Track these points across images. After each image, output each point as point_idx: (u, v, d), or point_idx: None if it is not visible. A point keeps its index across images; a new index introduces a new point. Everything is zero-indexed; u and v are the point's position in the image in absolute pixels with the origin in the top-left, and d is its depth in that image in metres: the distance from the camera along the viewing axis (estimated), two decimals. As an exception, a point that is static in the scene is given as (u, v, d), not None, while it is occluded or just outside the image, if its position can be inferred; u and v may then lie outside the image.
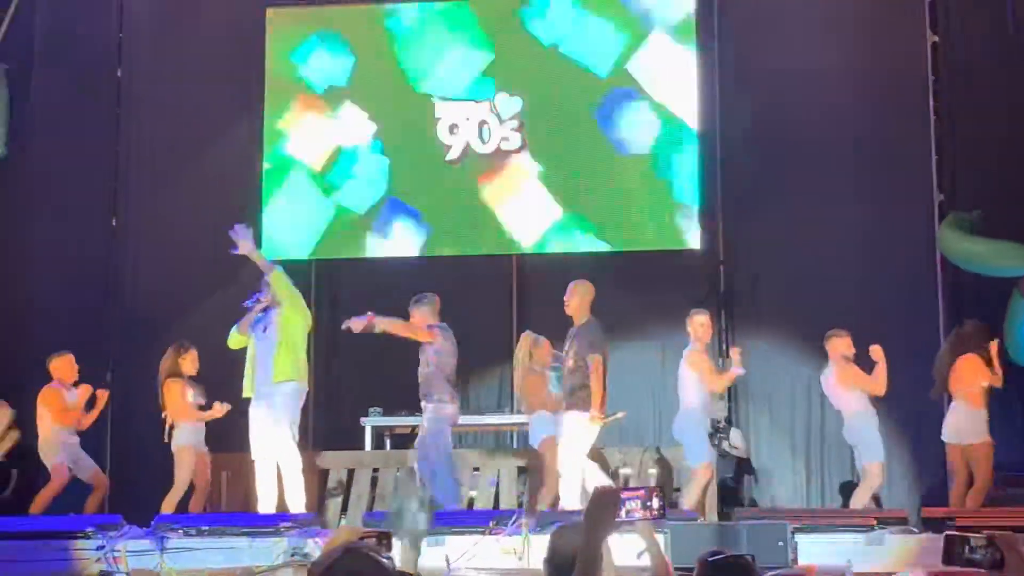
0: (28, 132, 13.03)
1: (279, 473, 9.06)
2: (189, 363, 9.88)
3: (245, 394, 9.28)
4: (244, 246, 9.23)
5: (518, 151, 12.26)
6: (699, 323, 9.77)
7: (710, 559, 3.91)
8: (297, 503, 8.97)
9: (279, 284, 9.15)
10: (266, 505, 9.02)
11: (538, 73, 12.31)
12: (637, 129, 12.07)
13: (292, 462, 9.02)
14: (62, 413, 9.99)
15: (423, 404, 9.46)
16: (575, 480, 9.08)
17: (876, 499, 9.68)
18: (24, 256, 12.86)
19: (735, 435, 11.03)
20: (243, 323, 9.28)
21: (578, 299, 9.45)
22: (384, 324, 9.51)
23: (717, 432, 10.57)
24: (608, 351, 9.47)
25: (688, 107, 12.01)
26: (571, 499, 8.98)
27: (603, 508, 3.57)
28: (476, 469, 10.76)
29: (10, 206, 12.97)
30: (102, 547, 7.77)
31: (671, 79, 12.06)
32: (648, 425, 11.65)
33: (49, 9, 13.02)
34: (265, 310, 9.24)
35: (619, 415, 9.95)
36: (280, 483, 9.08)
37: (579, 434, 9.20)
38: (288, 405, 9.07)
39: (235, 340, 9.37)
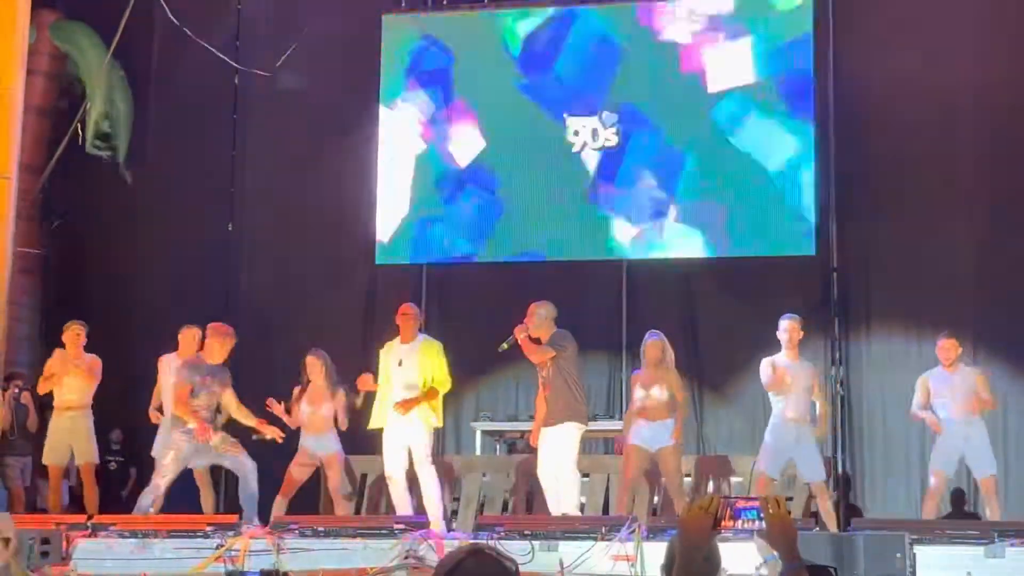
0: (147, 139, 13.35)
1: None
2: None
3: (373, 425, 9.51)
4: None
5: (624, 152, 12.23)
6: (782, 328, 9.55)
7: None
8: (437, 513, 9.16)
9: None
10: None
11: (649, 77, 12.27)
12: (751, 134, 11.98)
13: (433, 477, 9.30)
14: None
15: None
16: (570, 489, 9.10)
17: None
18: (143, 261, 13.16)
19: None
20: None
21: (537, 320, 9.33)
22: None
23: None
24: (568, 351, 9.32)
25: (804, 112, 11.89)
26: (568, 507, 8.99)
27: (699, 519, 3.54)
28: (586, 475, 10.73)
29: (130, 212, 13.29)
30: (220, 546, 7.86)
31: (786, 83, 11.94)
32: (759, 433, 11.50)
33: (166, 18, 13.28)
34: None
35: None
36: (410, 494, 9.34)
37: (575, 444, 9.19)
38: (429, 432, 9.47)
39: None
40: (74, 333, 10.07)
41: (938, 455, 9.53)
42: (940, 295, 11.37)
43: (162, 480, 9.12)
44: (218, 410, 9.60)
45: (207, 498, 9.91)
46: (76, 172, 13.44)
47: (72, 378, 10.01)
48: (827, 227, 11.93)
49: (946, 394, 9.52)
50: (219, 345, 9.30)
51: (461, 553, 3.07)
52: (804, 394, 9.42)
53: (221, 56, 12.77)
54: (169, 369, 9.93)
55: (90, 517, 8.37)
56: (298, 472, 9.68)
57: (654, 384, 9.42)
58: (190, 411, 9.12)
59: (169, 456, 9.18)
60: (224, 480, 10.73)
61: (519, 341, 9.26)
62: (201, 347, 9.64)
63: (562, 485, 9.11)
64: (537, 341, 9.28)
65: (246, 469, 9.26)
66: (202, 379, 9.25)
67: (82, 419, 10.05)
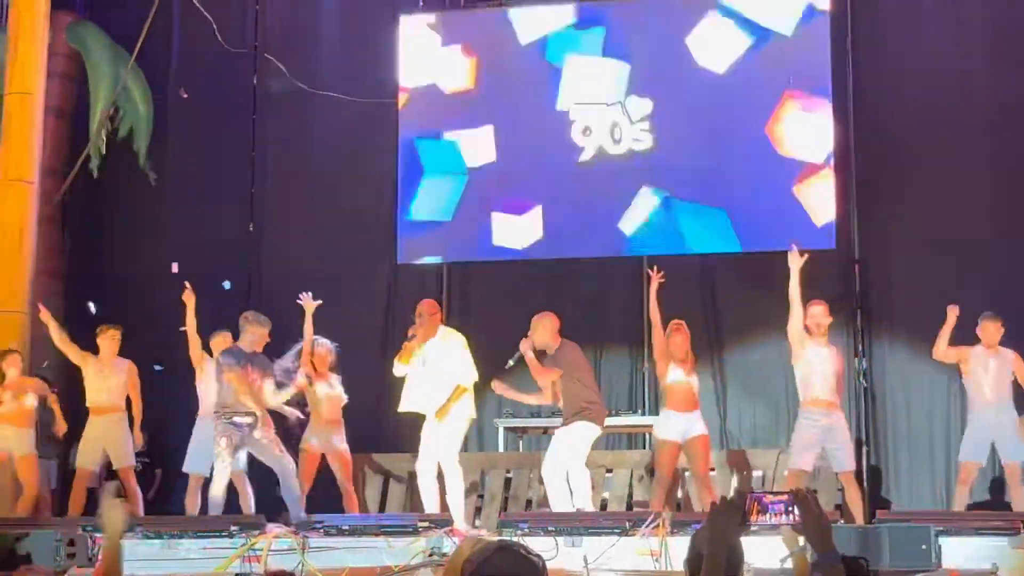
0: (167, 141, 13.40)
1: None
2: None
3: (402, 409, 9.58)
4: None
5: (649, 152, 12.23)
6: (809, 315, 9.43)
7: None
8: (458, 511, 9.20)
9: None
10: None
11: (669, 74, 12.27)
12: (770, 127, 11.94)
13: (457, 475, 9.33)
14: None
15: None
16: (580, 486, 9.11)
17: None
18: (164, 262, 13.20)
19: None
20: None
21: (540, 332, 9.32)
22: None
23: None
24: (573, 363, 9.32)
25: (823, 105, 11.85)
26: (563, 504, 8.99)
27: (728, 514, 3.54)
28: (609, 471, 10.75)
29: (152, 213, 13.35)
30: (245, 545, 7.88)
31: (806, 77, 11.91)
32: (783, 426, 11.50)
33: (185, 20, 13.34)
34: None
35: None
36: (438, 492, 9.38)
37: (586, 443, 9.18)
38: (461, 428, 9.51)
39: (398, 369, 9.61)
40: (109, 337, 10.14)
41: (969, 444, 9.46)
42: (963, 285, 11.30)
43: (223, 465, 9.23)
44: None
45: (244, 497, 9.98)
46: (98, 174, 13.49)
47: (106, 381, 10.07)
48: (849, 219, 11.89)
49: (981, 374, 9.42)
50: (258, 335, 9.40)
51: (488, 550, 3.08)
52: (833, 380, 9.35)
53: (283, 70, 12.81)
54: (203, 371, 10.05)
55: None
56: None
57: (690, 373, 9.44)
58: (252, 392, 9.26)
59: (223, 443, 9.30)
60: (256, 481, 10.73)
61: (525, 359, 9.28)
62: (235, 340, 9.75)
63: (572, 484, 9.10)
64: (543, 353, 9.27)
65: (287, 468, 9.35)
66: (243, 367, 9.34)
67: (116, 422, 10.10)
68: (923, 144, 11.78)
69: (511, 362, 9.36)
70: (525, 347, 9.23)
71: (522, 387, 9.73)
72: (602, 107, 12.37)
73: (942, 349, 9.55)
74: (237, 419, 9.24)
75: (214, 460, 9.42)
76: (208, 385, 9.89)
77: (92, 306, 11.67)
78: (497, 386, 9.68)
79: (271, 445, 9.34)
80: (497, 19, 12.89)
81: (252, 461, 9.79)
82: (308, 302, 9.88)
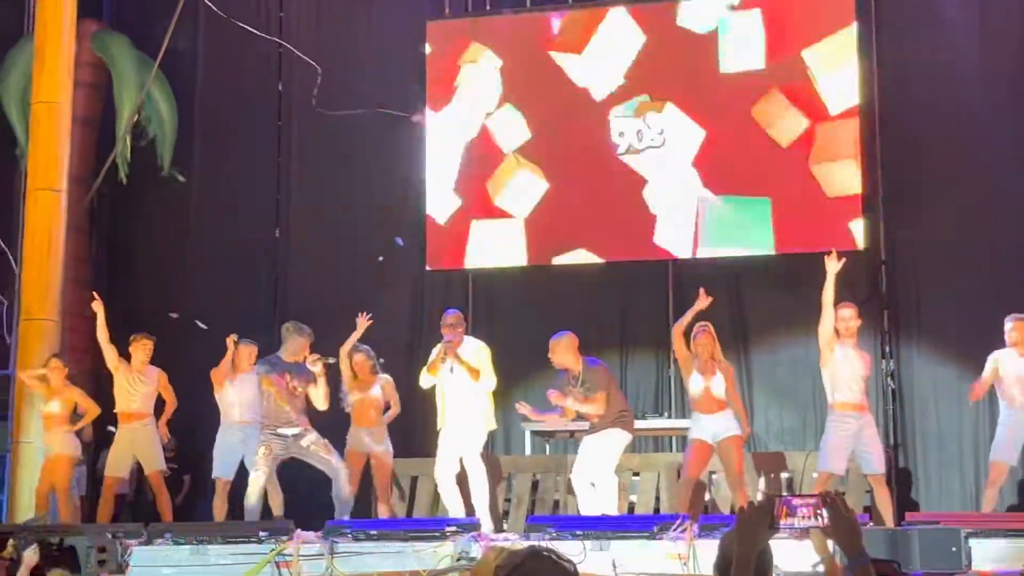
0: (193, 147, 13.47)
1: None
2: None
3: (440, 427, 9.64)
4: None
5: (674, 153, 12.21)
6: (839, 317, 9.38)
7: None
8: (485, 511, 9.25)
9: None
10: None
11: (691, 70, 12.25)
12: (795, 126, 11.91)
13: (482, 474, 9.40)
14: None
15: None
16: (609, 493, 9.16)
17: None
18: (191, 267, 13.29)
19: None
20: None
21: (560, 353, 9.39)
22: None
23: None
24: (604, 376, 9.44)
25: (848, 104, 11.80)
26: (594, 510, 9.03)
27: (756, 518, 3.54)
28: (636, 474, 10.73)
29: (178, 220, 13.42)
30: (273, 550, 7.91)
31: (832, 75, 11.87)
32: (811, 429, 11.48)
33: (210, 26, 13.40)
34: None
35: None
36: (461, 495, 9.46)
37: (616, 451, 9.27)
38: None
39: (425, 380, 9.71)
40: (142, 346, 10.23)
41: (1001, 445, 9.41)
42: (992, 286, 11.25)
43: (256, 474, 9.27)
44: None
45: (275, 499, 10.02)
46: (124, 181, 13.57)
47: (137, 389, 10.15)
48: (875, 219, 11.85)
49: (1012, 377, 9.35)
50: (299, 345, 9.46)
51: (519, 556, 3.08)
52: (862, 383, 9.32)
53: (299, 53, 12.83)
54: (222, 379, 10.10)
55: (146, 524, 8.45)
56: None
57: (710, 376, 9.43)
58: (292, 400, 9.31)
59: (261, 452, 9.34)
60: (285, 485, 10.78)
61: (567, 413, 9.33)
62: (255, 360, 9.84)
63: (601, 491, 9.14)
64: (566, 373, 9.36)
65: (338, 472, 9.39)
66: (280, 375, 9.39)
67: (144, 428, 10.17)
68: (951, 141, 11.70)
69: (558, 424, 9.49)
70: (559, 399, 9.33)
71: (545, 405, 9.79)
72: (626, 106, 12.37)
73: (983, 390, 9.54)
74: (281, 430, 9.32)
75: (249, 467, 9.50)
76: (227, 394, 9.96)
77: (174, 315, 11.94)
78: (522, 407, 9.81)
79: (319, 449, 9.44)
80: (524, 21, 12.88)
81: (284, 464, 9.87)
82: (363, 321, 9.93)
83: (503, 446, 12.20)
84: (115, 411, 10.28)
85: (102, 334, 10.21)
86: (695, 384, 9.45)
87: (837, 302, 9.29)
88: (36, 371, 10.64)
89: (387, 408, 10.18)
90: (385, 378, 10.18)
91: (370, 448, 9.99)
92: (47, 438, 10.45)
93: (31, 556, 6.34)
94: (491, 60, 12.78)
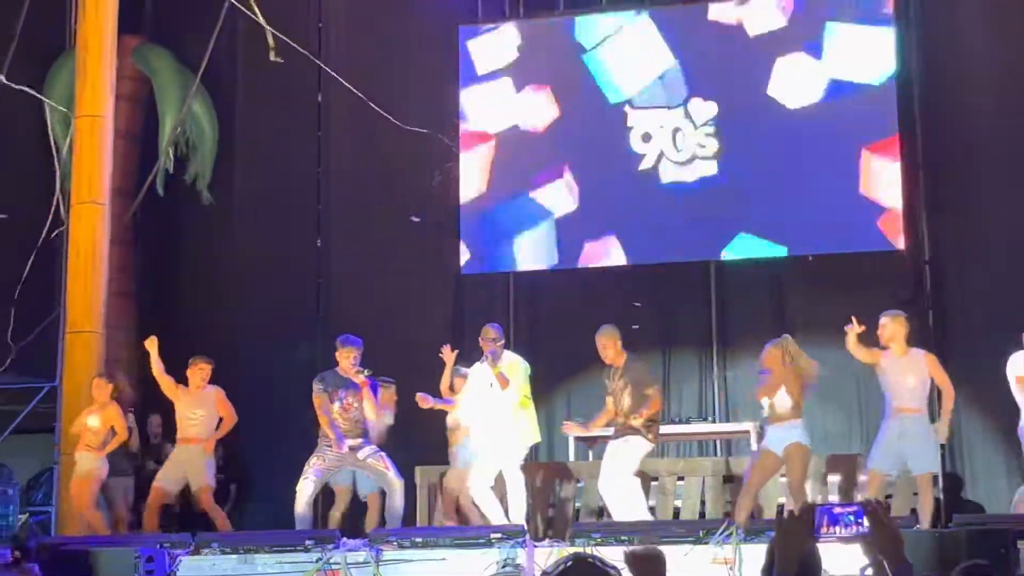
0: (235, 160, 13.56)
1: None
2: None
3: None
4: None
5: (713, 157, 12.18)
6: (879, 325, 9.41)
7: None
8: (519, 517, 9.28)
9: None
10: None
11: (732, 76, 12.22)
12: (837, 128, 11.85)
13: (520, 483, 9.47)
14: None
15: None
16: (634, 497, 9.24)
17: None
18: (233, 279, 13.36)
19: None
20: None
21: (605, 345, 9.47)
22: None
23: None
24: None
25: (888, 106, 11.73)
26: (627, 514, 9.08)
27: (794, 527, 3.53)
28: (680, 478, 10.69)
29: (220, 231, 13.50)
30: (320, 559, 7.95)
31: (870, 75, 11.81)
32: (856, 432, 11.40)
33: (249, 40, 13.47)
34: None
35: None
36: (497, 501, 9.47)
37: (637, 456, 9.33)
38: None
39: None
40: (199, 370, 10.25)
41: None
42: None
43: (305, 482, 9.35)
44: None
45: (339, 507, 10.16)
46: (166, 193, 13.66)
47: (195, 413, 10.19)
48: (917, 219, 11.77)
49: None
50: (345, 358, 9.55)
51: (564, 562, 3.09)
52: (915, 388, 9.27)
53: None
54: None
55: (194, 534, 8.49)
56: None
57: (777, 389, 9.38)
58: (328, 422, 9.36)
59: (313, 461, 9.46)
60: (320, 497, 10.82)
61: (636, 425, 9.33)
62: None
63: (626, 497, 9.21)
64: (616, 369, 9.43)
65: (393, 486, 9.43)
66: (334, 391, 9.47)
67: (200, 452, 10.19)
68: (993, 140, 11.63)
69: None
70: (576, 431, 9.64)
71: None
72: (663, 111, 12.34)
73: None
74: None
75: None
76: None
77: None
78: (569, 427, 10.03)
79: (376, 463, 9.47)
80: (555, 26, 12.89)
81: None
82: (449, 354, 10.07)
83: (547, 453, 12.18)
84: (176, 437, 10.32)
85: (156, 367, 10.23)
86: (766, 400, 9.41)
87: (880, 303, 9.29)
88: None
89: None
90: None
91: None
92: (78, 454, 10.45)
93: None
94: (523, 62, 12.78)
